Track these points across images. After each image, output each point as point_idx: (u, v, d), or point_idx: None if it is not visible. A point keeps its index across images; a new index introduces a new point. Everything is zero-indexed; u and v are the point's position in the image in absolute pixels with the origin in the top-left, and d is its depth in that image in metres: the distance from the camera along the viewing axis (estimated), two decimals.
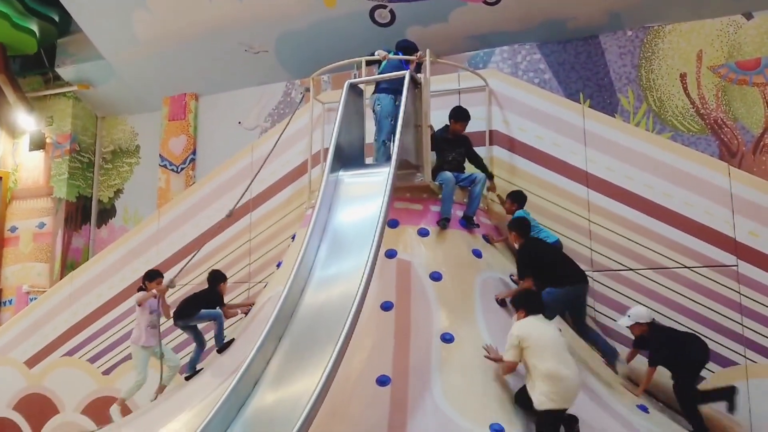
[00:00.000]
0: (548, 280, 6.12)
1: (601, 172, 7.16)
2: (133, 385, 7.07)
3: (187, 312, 6.75)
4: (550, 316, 5.54)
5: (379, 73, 7.05)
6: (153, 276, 7.20)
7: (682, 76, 8.77)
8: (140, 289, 7.18)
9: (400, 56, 7.00)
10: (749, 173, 7.13)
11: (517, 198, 7.05)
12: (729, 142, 8.47)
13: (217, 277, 7.04)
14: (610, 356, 6.44)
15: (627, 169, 7.06)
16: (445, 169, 6.73)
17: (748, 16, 8.55)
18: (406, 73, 6.58)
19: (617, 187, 7.07)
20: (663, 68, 8.88)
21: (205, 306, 6.77)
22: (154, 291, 7.02)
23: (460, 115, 7.11)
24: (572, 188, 7.24)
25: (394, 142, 6.19)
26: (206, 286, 7.06)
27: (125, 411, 7.34)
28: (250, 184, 7.87)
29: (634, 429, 5.39)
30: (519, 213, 6.91)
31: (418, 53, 6.89)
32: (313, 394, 4.33)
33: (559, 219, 7.13)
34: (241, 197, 7.72)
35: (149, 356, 7.04)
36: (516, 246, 6.61)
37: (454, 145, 7.05)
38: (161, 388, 7.09)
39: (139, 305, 7.00)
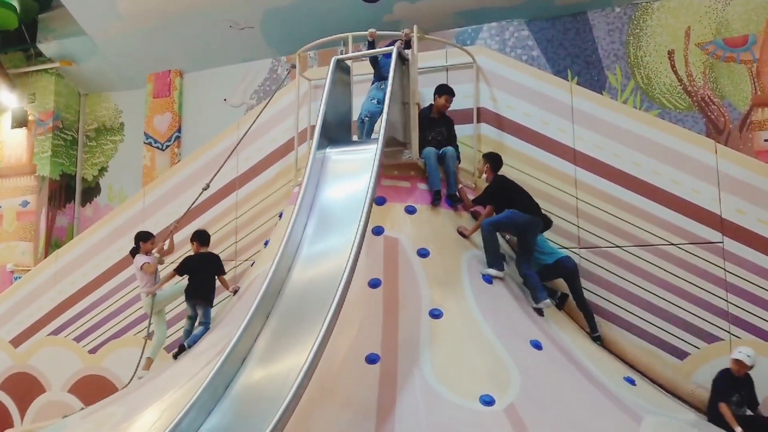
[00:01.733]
0: (508, 206, 6.43)
1: (589, 150, 7.16)
2: (155, 343, 7.19)
3: (207, 297, 6.81)
4: (501, 229, 6.38)
5: (380, 68, 7.00)
6: (146, 237, 7.26)
7: (670, 53, 8.76)
8: (133, 251, 7.24)
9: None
10: (736, 150, 7.15)
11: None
12: (716, 120, 8.48)
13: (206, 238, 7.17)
14: (540, 293, 6.33)
15: (614, 146, 7.06)
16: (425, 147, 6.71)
17: None
18: (393, 49, 6.51)
19: (605, 165, 7.08)
20: (651, 45, 8.86)
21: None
22: (157, 255, 7.20)
23: (442, 89, 7.08)
24: (560, 166, 7.24)
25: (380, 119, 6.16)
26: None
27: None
28: (230, 154, 7.87)
29: (620, 401, 5.44)
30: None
31: (405, 30, 6.83)
32: (300, 371, 4.32)
33: (547, 196, 7.13)
34: (220, 168, 7.73)
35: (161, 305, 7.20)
36: (486, 179, 6.78)
37: (436, 124, 7.01)
38: (148, 362, 7.11)
39: (151, 273, 7.09)
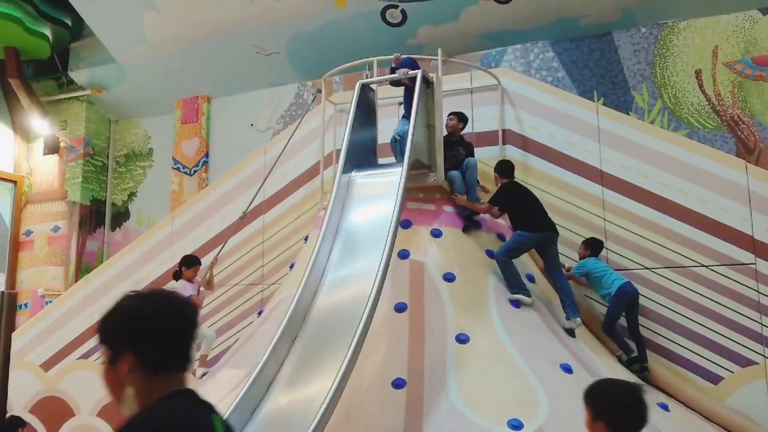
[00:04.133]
0: (518, 222, 6.47)
1: (616, 170, 7.10)
2: (206, 343, 7.13)
3: None
4: (515, 255, 6.31)
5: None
6: (191, 263, 7.04)
7: (698, 73, 8.67)
8: (176, 275, 7.04)
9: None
10: (767, 170, 7.03)
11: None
12: (746, 139, 8.36)
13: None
14: (571, 310, 6.27)
15: (642, 166, 6.99)
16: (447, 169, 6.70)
17: (765, 11, 8.42)
18: (419, 72, 6.55)
19: (632, 185, 7.00)
20: (678, 65, 8.78)
21: None
22: (203, 289, 7.04)
23: (453, 112, 7.08)
24: (587, 187, 7.18)
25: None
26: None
27: (209, 364, 7.23)
28: (262, 184, 7.88)
29: (654, 427, 5.32)
30: (589, 260, 6.80)
31: (396, 54, 6.95)
32: (326, 396, 4.30)
33: (574, 218, 7.07)
34: (254, 198, 7.72)
35: None
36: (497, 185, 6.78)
37: (453, 145, 6.98)
38: (203, 358, 7.11)
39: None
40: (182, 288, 6.84)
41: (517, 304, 6.10)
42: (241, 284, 8.31)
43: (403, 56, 6.99)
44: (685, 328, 6.63)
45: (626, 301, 6.52)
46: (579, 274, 6.81)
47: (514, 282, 6.23)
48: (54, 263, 11.43)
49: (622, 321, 6.62)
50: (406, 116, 6.82)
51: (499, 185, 6.75)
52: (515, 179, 6.79)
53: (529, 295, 6.21)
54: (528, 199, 6.57)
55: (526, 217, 6.41)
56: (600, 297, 6.73)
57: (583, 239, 6.95)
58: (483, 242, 6.61)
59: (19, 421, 7.53)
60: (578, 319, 6.24)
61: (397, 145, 6.85)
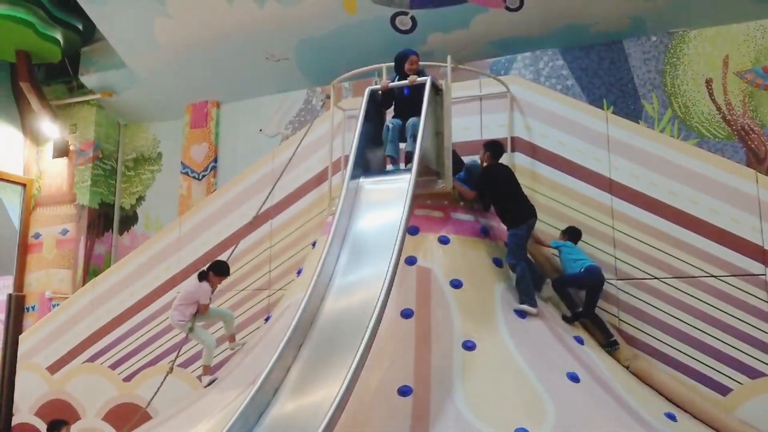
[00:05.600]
0: (504, 218, 6.63)
1: (625, 179, 7.06)
2: (206, 351, 6.90)
3: None
4: (520, 259, 6.34)
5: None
6: (223, 271, 6.92)
7: (708, 82, 8.64)
8: (202, 275, 6.84)
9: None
10: None
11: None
12: (756, 149, 8.32)
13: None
14: (528, 300, 6.27)
15: (652, 175, 6.96)
16: None
17: None
18: (428, 79, 6.54)
19: (642, 194, 6.97)
20: (688, 74, 8.75)
21: None
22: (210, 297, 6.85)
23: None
24: (596, 195, 7.14)
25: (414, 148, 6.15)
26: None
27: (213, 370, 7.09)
28: (271, 191, 7.87)
29: None
30: (570, 243, 6.90)
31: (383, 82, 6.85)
32: (333, 403, 4.28)
33: (583, 226, 7.03)
34: (264, 203, 7.71)
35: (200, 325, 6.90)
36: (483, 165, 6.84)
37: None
38: (206, 369, 6.95)
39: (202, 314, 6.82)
40: (202, 289, 6.73)
41: (522, 314, 6.08)
42: (247, 289, 8.30)
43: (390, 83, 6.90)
44: (693, 338, 6.57)
45: (591, 279, 6.61)
46: (555, 245, 6.93)
47: (526, 291, 6.24)
48: (62, 266, 11.46)
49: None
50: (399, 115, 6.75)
51: (484, 165, 6.85)
52: (500, 163, 6.85)
53: (536, 306, 6.20)
54: (508, 185, 6.67)
55: (510, 213, 6.58)
56: (568, 264, 6.79)
57: (562, 230, 7.05)
58: (490, 249, 6.59)
59: (62, 422, 7.44)
60: (534, 310, 6.21)
61: (388, 132, 6.65)
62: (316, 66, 10.31)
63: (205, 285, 6.78)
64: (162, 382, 7.18)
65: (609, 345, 6.59)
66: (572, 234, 6.98)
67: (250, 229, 8.11)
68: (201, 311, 6.75)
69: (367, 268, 5.50)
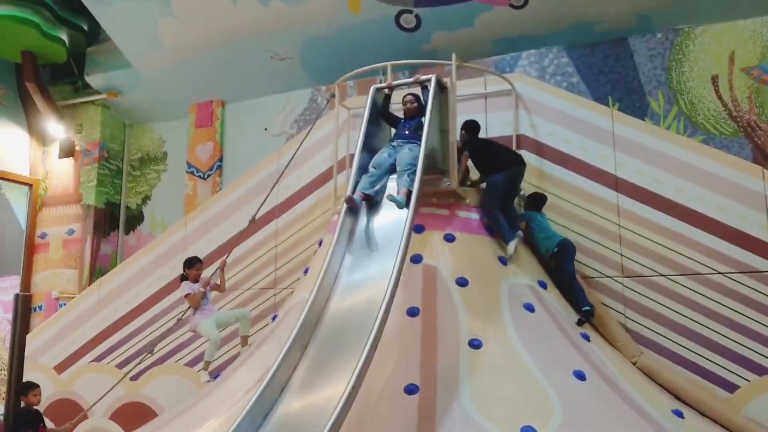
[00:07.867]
0: (487, 171, 6.83)
1: (631, 176, 7.06)
2: (210, 347, 6.80)
3: None
4: (493, 200, 6.59)
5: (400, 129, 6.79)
6: (191, 263, 6.94)
7: (714, 79, 8.60)
8: (183, 277, 6.93)
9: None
10: None
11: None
12: (763, 145, 8.27)
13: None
14: (506, 237, 6.51)
15: (658, 173, 6.95)
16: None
17: None
18: (433, 77, 6.53)
19: (648, 192, 6.96)
20: (694, 70, 8.71)
21: None
22: (201, 290, 6.78)
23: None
24: (601, 193, 7.14)
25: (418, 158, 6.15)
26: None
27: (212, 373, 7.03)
28: (272, 189, 7.87)
29: None
30: (533, 212, 7.08)
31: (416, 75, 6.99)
32: (339, 402, 4.28)
33: (589, 224, 7.03)
34: (263, 203, 7.71)
35: (211, 322, 6.81)
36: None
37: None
38: (206, 365, 6.88)
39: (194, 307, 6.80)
40: (186, 288, 6.78)
41: (530, 306, 6.07)
42: (253, 288, 8.32)
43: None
44: (700, 335, 6.56)
45: (572, 251, 6.83)
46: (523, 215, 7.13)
47: (505, 232, 6.50)
48: (68, 266, 11.48)
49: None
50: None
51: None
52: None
53: (515, 236, 6.52)
54: (490, 145, 6.97)
55: (491, 162, 6.79)
56: (537, 240, 6.96)
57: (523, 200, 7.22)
58: (496, 247, 6.58)
59: (30, 385, 7.44)
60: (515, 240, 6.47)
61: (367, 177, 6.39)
62: (321, 65, 10.30)
63: (185, 284, 6.83)
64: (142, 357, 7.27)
65: (583, 315, 6.56)
66: (534, 201, 7.10)
67: (253, 229, 8.10)
68: (189, 301, 6.75)
69: (373, 267, 5.51)
